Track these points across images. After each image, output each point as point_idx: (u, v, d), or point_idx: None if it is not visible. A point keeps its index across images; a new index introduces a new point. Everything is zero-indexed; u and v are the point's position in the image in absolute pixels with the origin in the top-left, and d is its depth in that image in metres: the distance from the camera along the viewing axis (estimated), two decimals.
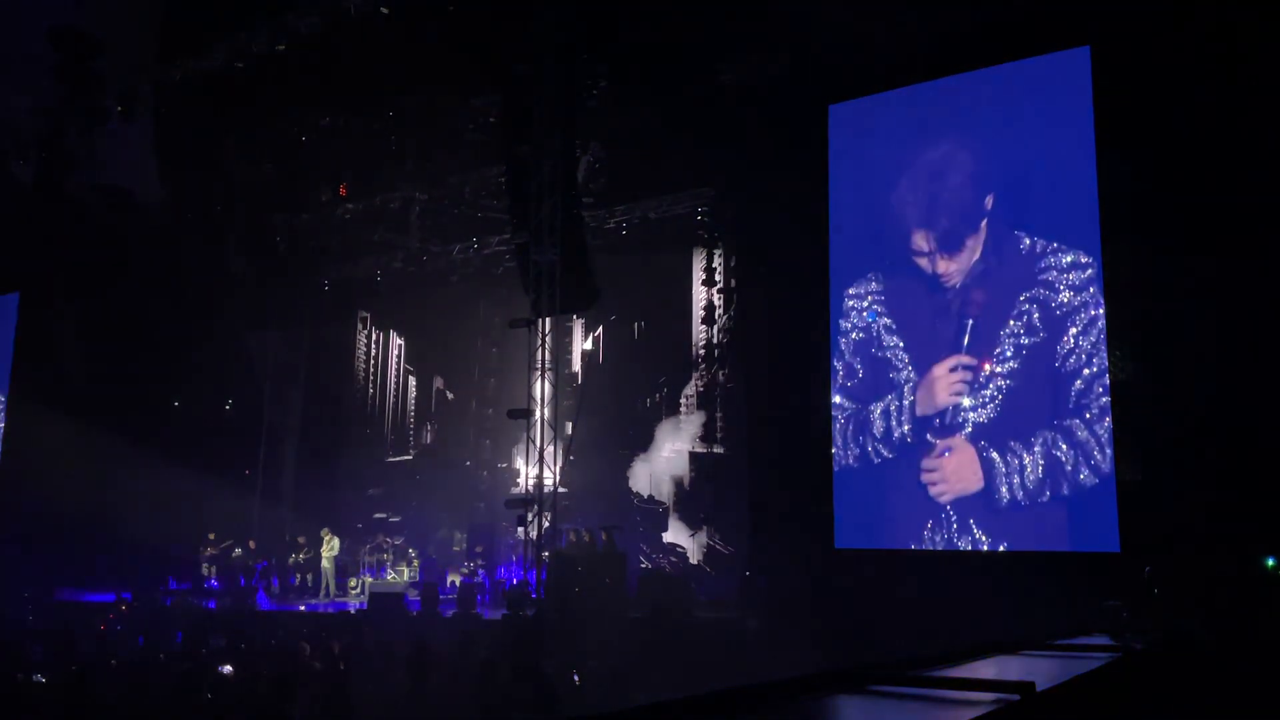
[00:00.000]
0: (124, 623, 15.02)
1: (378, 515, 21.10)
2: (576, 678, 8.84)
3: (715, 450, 18.77)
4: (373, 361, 23.63)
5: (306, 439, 22.98)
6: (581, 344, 21.23)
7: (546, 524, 15.12)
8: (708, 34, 15.30)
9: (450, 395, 22.92)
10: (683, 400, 19.75)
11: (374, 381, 23.60)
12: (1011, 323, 12.78)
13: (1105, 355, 12.03)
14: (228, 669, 9.88)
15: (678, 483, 19.70)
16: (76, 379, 19.88)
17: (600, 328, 20.84)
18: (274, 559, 19.94)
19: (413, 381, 23.59)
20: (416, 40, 17.36)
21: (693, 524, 18.89)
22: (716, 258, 18.89)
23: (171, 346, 20.51)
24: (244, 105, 19.76)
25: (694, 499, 19.09)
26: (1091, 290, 12.27)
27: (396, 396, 23.53)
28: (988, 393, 12.85)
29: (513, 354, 19.46)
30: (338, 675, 9.18)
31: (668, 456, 19.82)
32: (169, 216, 21.81)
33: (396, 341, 23.76)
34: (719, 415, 18.73)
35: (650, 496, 19.76)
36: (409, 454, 23.25)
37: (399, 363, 23.63)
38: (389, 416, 23.49)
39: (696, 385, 19.41)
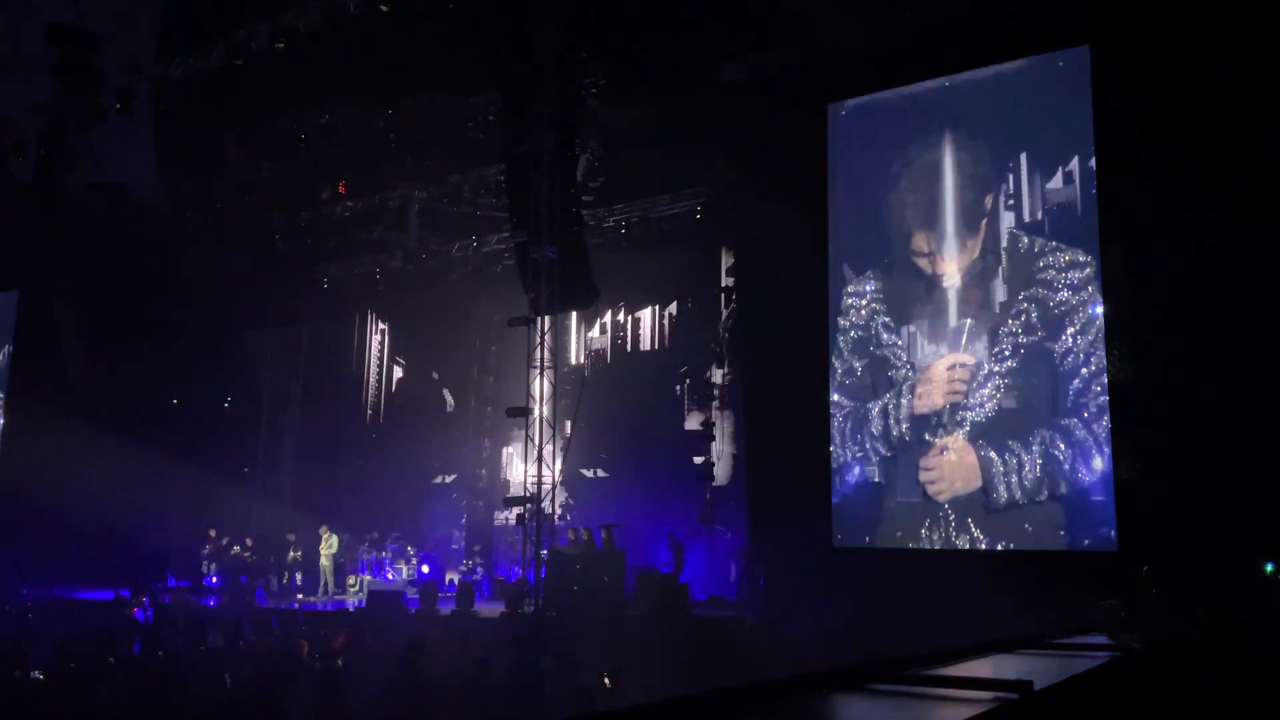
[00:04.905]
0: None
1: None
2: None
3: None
4: (363, 358, 23.53)
5: (305, 437, 22.97)
6: (586, 334, 21.03)
7: (546, 522, 15.14)
8: (707, 33, 15.29)
9: (448, 393, 22.89)
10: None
11: (372, 378, 23.55)
12: (1010, 322, 12.79)
13: (1103, 354, 12.05)
14: (226, 667, 9.87)
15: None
16: (76, 377, 19.87)
17: (608, 315, 20.55)
18: (273, 556, 19.94)
19: (398, 373, 23.50)
20: (416, 39, 17.35)
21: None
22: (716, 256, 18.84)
23: (171, 345, 20.49)
24: (243, 103, 19.75)
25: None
26: (1090, 289, 12.29)
27: (380, 392, 23.43)
28: (986, 392, 12.86)
29: (512, 352, 19.38)
30: (335, 673, 9.18)
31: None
32: (168, 214, 21.79)
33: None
34: (715, 413, 18.57)
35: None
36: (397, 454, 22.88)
37: (384, 353, 23.56)
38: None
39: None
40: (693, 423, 18.86)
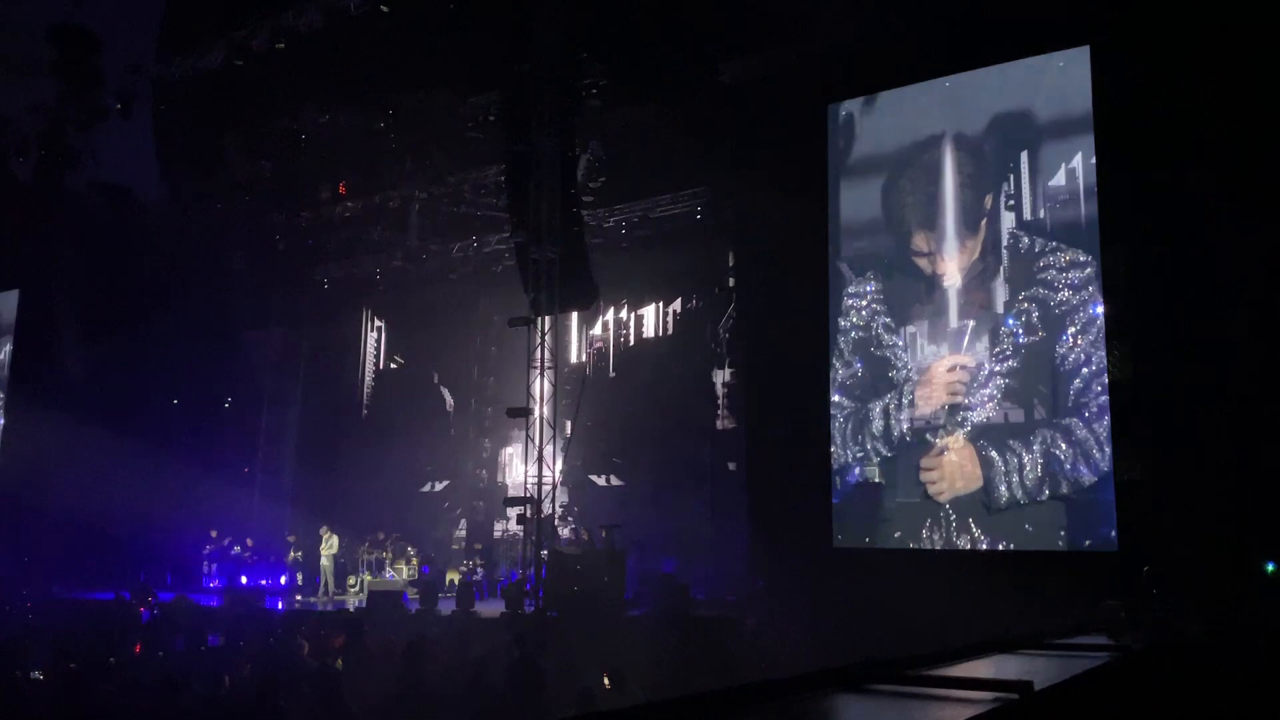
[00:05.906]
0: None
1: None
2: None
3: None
4: (363, 358, 23.50)
5: (306, 437, 22.97)
6: (588, 333, 20.98)
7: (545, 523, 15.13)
8: (707, 33, 15.29)
9: (448, 393, 22.88)
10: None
11: (371, 378, 23.54)
12: (1011, 322, 12.79)
13: (1104, 354, 12.04)
14: (226, 667, 9.87)
15: None
16: (75, 377, 19.88)
17: (610, 313, 20.47)
18: (273, 557, 19.95)
19: (397, 373, 23.46)
20: (416, 39, 17.35)
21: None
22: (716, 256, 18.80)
23: (171, 345, 20.50)
24: (243, 103, 19.76)
25: None
26: (1090, 289, 12.29)
27: (379, 392, 23.38)
28: (987, 392, 12.86)
29: (512, 352, 19.35)
30: (333, 673, 9.18)
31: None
32: (168, 214, 21.80)
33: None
34: (718, 413, 18.55)
35: None
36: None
37: (383, 353, 23.54)
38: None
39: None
40: (696, 423, 18.85)
